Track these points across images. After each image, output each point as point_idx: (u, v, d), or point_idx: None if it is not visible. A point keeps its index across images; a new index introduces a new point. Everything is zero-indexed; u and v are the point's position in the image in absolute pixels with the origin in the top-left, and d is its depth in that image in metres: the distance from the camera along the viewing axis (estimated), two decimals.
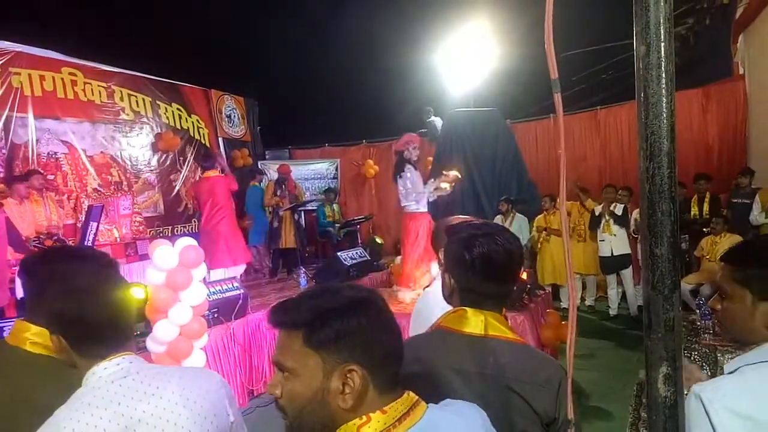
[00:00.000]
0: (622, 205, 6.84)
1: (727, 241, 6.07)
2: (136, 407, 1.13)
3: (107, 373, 1.16)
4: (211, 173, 6.47)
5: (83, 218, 6.28)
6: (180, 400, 1.18)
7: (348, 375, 0.87)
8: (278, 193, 8.46)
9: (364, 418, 0.87)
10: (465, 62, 9.12)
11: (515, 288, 1.34)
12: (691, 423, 1.05)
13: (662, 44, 0.81)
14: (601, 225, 6.88)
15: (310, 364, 0.88)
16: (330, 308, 0.89)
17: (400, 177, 5.34)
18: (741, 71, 8.38)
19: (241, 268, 6.54)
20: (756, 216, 6.24)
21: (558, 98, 0.84)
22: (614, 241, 6.78)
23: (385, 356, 0.91)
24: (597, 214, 6.96)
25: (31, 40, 6.58)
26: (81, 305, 1.16)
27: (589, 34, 9.33)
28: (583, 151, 9.50)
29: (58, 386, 1.24)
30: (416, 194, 5.35)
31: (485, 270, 1.25)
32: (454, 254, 1.31)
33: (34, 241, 5.57)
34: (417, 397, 0.95)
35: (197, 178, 7.15)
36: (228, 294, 4.82)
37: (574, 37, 8.85)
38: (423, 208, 5.47)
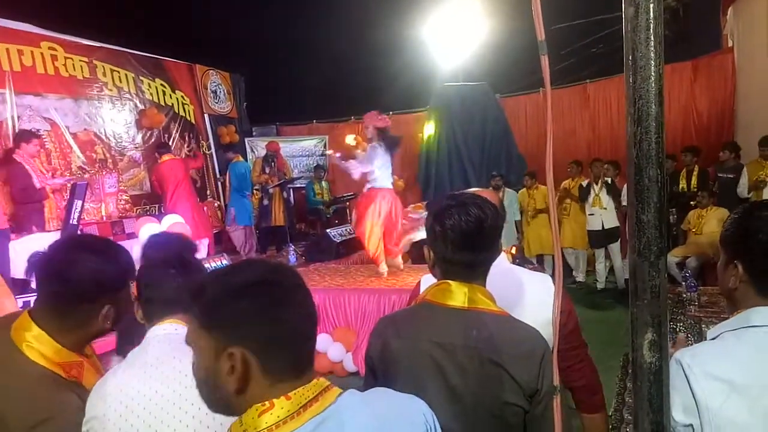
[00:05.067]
0: (609, 178, 6.87)
1: (713, 214, 6.13)
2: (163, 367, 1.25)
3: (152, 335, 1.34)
4: (166, 157, 7.12)
5: (68, 196, 6.20)
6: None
7: (231, 358, 0.85)
8: (267, 171, 8.39)
9: (267, 404, 0.86)
10: (454, 36, 9.01)
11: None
12: (672, 388, 1.06)
13: (651, 5, 0.79)
14: (590, 198, 6.91)
15: (202, 343, 0.88)
16: (221, 290, 0.88)
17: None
18: (730, 44, 8.36)
19: (202, 242, 6.86)
20: (742, 189, 6.26)
21: (545, 61, 0.82)
22: (604, 215, 6.82)
23: (279, 340, 0.88)
24: (584, 186, 6.99)
25: (8, 12, 6.39)
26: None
27: (578, 7, 9.24)
28: (572, 125, 9.48)
29: (33, 406, 1.25)
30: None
31: (457, 239, 1.25)
32: (429, 226, 1.31)
33: None
34: (328, 383, 0.93)
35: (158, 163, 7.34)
36: None
37: (562, 10, 8.76)
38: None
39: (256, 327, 0.87)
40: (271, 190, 8.21)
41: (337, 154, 5.59)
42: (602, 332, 5.30)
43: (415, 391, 1.21)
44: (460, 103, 9.06)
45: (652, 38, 0.80)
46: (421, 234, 5.56)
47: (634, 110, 0.81)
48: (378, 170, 5.18)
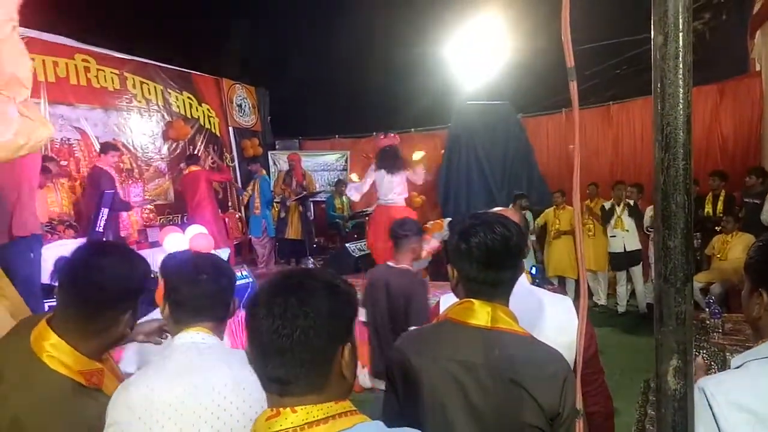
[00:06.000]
0: (632, 201, 6.80)
1: (739, 240, 6.01)
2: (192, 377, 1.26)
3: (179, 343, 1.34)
4: (193, 168, 7.36)
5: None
6: (233, 378, 1.27)
7: None
8: (285, 183, 8.49)
9: (274, 411, 0.90)
10: (477, 54, 9.05)
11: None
12: (695, 416, 1.05)
13: (680, 34, 0.80)
14: (612, 221, 6.84)
15: None
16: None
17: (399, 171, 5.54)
18: (758, 68, 8.26)
19: (223, 252, 6.81)
20: (766, 216, 6.13)
21: (573, 87, 0.83)
22: (626, 237, 6.74)
23: (255, 351, 0.94)
24: (607, 209, 6.92)
25: (45, 26, 6.61)
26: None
27: (602, 28, 9.22)
28: (595, 146, 9.40)
29: (54, 416, 1.28)
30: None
31: (482, 258, 1.26)
32: (453, 245, 1.32)
33: (47, 226, 5.64)
34: (351, 408, 0.93)
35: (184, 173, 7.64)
36: (238, 282, 4.81)
37: (586, 31, 8.75)
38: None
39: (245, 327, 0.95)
40: (289, 203, 8.29)
41: (343, 174, 5.99)
42: (623, 357, 5.22)
43: (436, 408, 1.21)
44: (482, 122, 9.08)
45: (681, 66, 0.81)
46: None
47: (662, 137, 0.81)
48: (378, 189, 5.42)
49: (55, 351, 1.31)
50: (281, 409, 0.89)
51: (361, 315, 3.23)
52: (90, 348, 1.36)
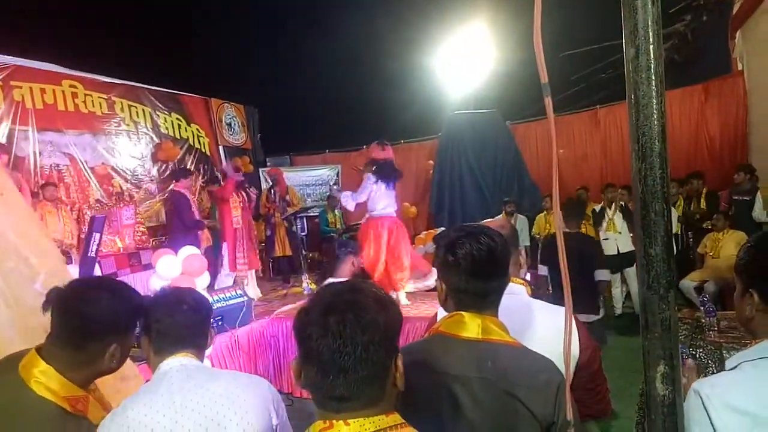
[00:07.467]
0: (622, 203, 6.84)
1: (731, 237, 6.05)
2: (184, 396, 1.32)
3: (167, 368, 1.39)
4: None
5: (86, 229, 6.30)
6: (224, 393, 1.33)
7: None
8: (269, 199, 8.43)
9: (327, 423, 0.91)
10: (464, 64, 9.14)
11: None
12: (691, 420, 1.05)
13: (651, 46, 0.82)
14: (604, 224, 6.87)
15: None
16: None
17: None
18: (740, 67, 8.37)
19: (227, 278, 6.66)
20: (758, 213, 6.21)
21: (548, 102, 0.85)
22: (619, 239, 6.76)
23: (308, 365, 0.93)
24: (598, 211, 6.96)
25: (31, 53, 6.62)
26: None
27: (587, 32, 9.33)
28: (583, 150, 9.48)
29: None
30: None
31: (469, 268, 1.26)
32: (441, 258, 1.33)
33: None
34: (401, 421, 0.93)
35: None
36: (232, 302, 4.82)
37: (573, 36, 8.86)
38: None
39: (298, 347, 0.95)
40: (273, 221, 8.24)
41: (335, 186, 5.74)
42: (621, 359, 5.20)
43: (431, 424, 1.21)
44: (472, 131, 9.14)
45: (654, 77, 0.82)
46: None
47: (638, 147, 0.83)
48: (372, 200, 5.28)
49: (43, 377, 1.33)
50: (333, 421, 0.90)
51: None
52: (77, 376, 1.38)
